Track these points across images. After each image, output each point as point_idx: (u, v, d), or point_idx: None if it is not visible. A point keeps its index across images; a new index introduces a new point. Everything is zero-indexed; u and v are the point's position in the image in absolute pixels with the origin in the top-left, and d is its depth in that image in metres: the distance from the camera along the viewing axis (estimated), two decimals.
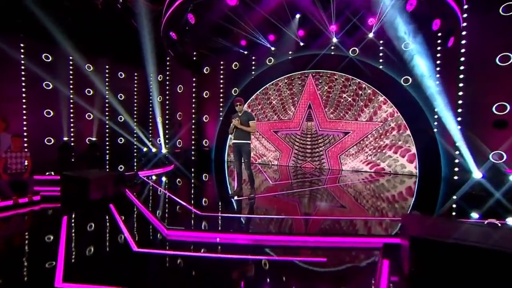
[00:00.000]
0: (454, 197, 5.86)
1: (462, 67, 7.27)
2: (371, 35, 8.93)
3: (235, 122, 5.36)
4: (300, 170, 9.83)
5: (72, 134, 9.56)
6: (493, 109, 7.00)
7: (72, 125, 9.60)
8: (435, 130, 8.45)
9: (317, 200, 5.72)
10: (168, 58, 11.03)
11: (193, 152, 10.80)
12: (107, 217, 4.53)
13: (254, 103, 11.22)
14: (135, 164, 9.56)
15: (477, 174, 6.29)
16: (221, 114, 11.54)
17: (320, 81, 10.09)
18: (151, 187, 6.58)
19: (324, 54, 9.75)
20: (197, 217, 4.38)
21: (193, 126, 10.90)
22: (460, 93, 7.30)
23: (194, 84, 10.82)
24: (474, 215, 4.80)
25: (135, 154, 11.74)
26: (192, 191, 6.61)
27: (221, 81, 11.48)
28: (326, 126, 10.06)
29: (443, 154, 8.37)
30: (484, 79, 7.10)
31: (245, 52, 10.68)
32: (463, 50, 7.24)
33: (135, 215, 4.72)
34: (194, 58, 10.34)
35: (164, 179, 7.82)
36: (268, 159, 11.08)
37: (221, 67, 11.44)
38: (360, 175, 8.88)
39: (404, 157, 8.93)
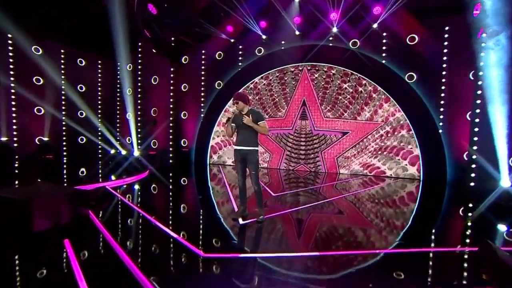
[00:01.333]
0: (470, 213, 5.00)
1: (482, 63, 6.44)
2: (375, 25, 7.93)
3: (246, 120, 3.94)
4: (293, 174, 8.64)
5: (14, 133, 7.44)
6: None
7: (14, 121, 7.48)
8: (440, 130, 7.69)
9: (339, 219, 4.51)
10: (140, 44, 9.19)
11: (170, 155, 9.12)
12: (59, 265, 2.90)
13: None
14: (99, 171, 7.71)
15: (505, 182, 5.50)
16: (202, 110, 9.97)
17: (316, 75, 8.92)
18: (123, 206, 4.95)
19: (321, 46, 8.59)
20: (202, 263, 2.93)
21: (170, 124, 9.21)
22: (479, 92, 6.49)
23: (172, 75, 9.10)
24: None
25: (99, 156, 9.76)
26: (181, 211, 5.09)
27: (203, 72, 9.89)
28: (322, 125, 8.94)
29: (448, 157, 7.61)
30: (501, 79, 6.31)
31: (232, 40, 9.21)
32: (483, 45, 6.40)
33: (105, 260, 3.14)
34: (173, 45, 8.65)
35: (139, 191, 6.16)
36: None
37: (203, 56, 9.84)
38: (360, 179, 7.90)
39: (406, 159, 8.09)
